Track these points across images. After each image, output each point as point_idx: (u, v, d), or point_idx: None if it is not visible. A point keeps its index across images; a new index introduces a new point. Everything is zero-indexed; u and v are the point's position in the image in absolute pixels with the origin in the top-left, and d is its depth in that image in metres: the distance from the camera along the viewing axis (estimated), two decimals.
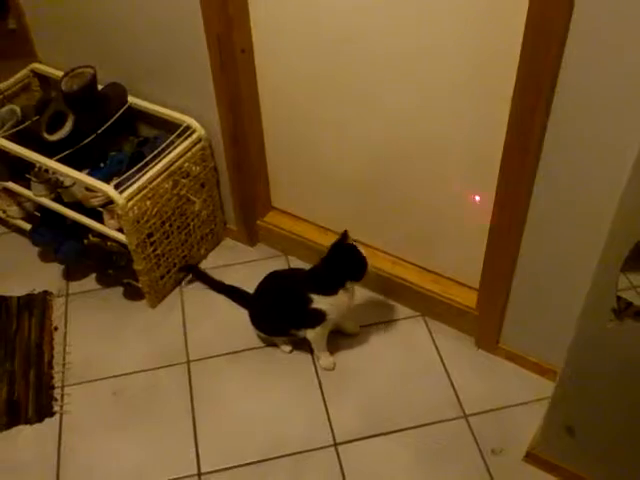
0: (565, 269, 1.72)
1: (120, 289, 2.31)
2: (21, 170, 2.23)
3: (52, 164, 2.07)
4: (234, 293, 2.23)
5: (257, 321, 2.09)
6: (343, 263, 1.89)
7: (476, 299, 2.02)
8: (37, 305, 2.28)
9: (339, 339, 2.09)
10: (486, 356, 2.06)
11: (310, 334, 1.98)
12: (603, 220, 1.25)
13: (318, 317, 1.92)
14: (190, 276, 2.35)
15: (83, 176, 2.04)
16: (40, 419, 1.98)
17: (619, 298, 1.31)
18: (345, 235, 1.90)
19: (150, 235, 2.10)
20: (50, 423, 1.97)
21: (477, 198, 1.85)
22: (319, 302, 1.90)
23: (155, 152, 2.08)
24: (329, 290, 1.89)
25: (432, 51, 1.66)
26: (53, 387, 2.05)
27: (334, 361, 2.07)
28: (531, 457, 1.79)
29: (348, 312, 1.98)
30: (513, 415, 1.91)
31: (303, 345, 2.11)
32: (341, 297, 1.90)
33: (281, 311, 2.00)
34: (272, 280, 2.06)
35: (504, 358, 2.03)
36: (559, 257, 1.71)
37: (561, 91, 1.42)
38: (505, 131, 1.57)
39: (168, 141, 2.12)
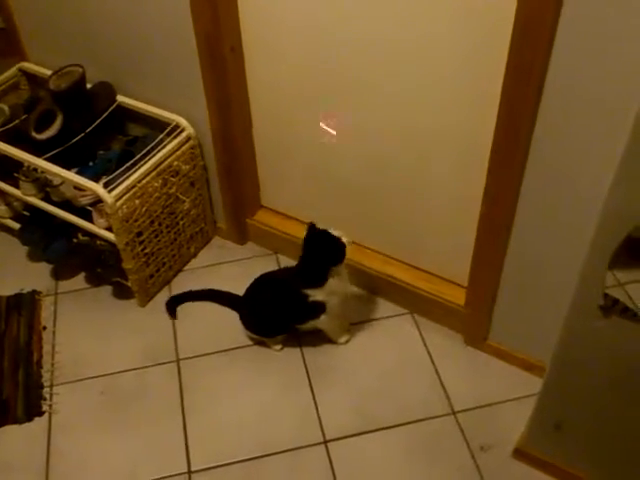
0: (553, 266, 1.73)
1: (109, 288, 2.31)
2: (9, 169, 2.22)
3: (41, 163, 2.06)
4: (223, 298, 2.22)
5: (252, 324, 2.09)
6: (319, 251, 1.91)
7: (464, 296, 2.03)
8: (26, 305, 2.27)
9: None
10: (474, 353, 2.07)
11: (320, 323, 2.01)
12: (591, 218, 1.26)
13: (319, 308, 1.96)
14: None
15: (72, 175, 2.04)
16: (29, 419, 1.97)
17: (606, 295, 1.33)
18: (312, 226, 1.92)
19: (139, 234, 2.10)
20: (39, 423, 1.96)
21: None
22: (316, 295, 1.93)
23: (144, 151, 2.08)
24: (318, 282, 1.92)
25: (424, 48, 1.67)
26: (42, 386, 2.04)
27: (349, 336, 2.12)
28: (519, 453, 1.80)
29: (346, 298, 2.01)
30: (501, 412, 1.92)
31: (293, 343, 2.12)
32: (332, 283, 1.93)
33: (281, 311, 2.02)
34: (264, 283, 2.07)
35: (492, 355, 2.05)
36: (547, 255, 1.72)
37: (550, 83, 1.43)
38: (494, 126, 1.58)
39: (157, 140, 2.12)
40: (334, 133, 1.89)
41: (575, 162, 1.51)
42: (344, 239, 1.89)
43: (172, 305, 2.24)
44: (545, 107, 1.47)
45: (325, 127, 1.88)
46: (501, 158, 1.62)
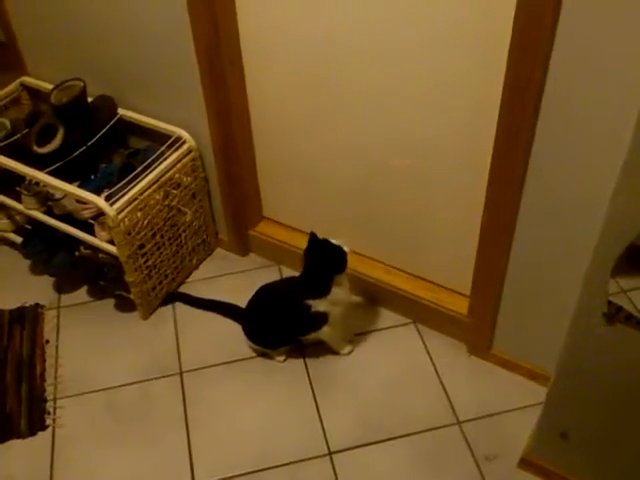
0: (556, 274, 1.73)
1: (112, 301, 2.31)
2: (11, 183, 2.22)
3: (42, 177, 2.07)
4: (225, 309, 2.22)
5: (255, 335, 2.09)
6: (322, 260, 1.91)
7: (468, 306, 2.03)
8: (28, 318, 2.27)
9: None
10: (478, 362, 2.06)
11: (322, 334, 2.01)
12: (594, 224, 1.26)
13: (321, 319, 1.95)
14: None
15: (74, 188, 2.04)
16: (33, 433, 1.96)
17: (610, 302, 1.32)
18: (313, 236, 1.92)
19: (141, 246, 2.10)
20: (43, 437, 1.96)
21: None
22: (318, 306, 1.92)
23: (145, 163, 2.08)
24: (321, 292, 1.91)
25: (423, 58, 1.67)
26: (45, 400, 2.04)
27: (352, 347, 2.11)
28: (525, 463, 1.79)
29: (347, 308, 2.00)
30: (506, 421, 1.92)
31: (296, 354, 2.11)
32: (335, 294, 1.92)
33: (283, 322, 2.01)
34: (266, 294, 2.06)
35: (496, 364, 2.04)
36: (550, 262, 1.72)
37: (549, 93, 1.44)
38: (494, 135, 1.58)
39: (158, 152, 2.12)
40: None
41: (575, 171, 1.51)
42: (345, 247, 1.90)
43: (173, 298, 2.28)
44: (544, 117, 1.47)
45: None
46: (501, 168, 1.62)
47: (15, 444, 1.95)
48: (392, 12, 1.64)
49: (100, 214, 2.03)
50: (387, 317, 2.21)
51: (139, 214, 2.04)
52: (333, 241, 1.90)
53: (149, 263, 2.16)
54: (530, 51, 1.39)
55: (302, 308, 1.93)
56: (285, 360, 2.11)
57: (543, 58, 1.38)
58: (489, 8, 1.50)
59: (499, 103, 1.52)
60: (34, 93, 2.46)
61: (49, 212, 2.20)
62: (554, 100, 1.44)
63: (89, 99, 2.19)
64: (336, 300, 1.94)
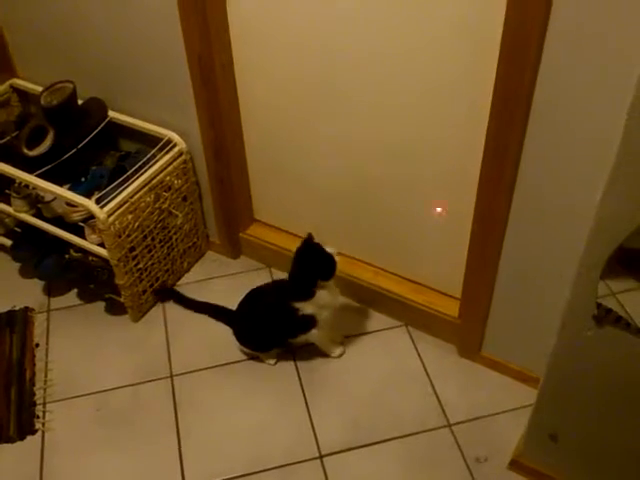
0: (546, 277, 1.73)
1: (102, 304, 2.30)
2: (1, 186, 2.22)
3: (32, 179, 2.06)
4: (216, 312, 2.22)
5: (245, 338, 2.09)
6: (309, 264, 1.90)
7: (458, 308, 2.03)
8: (18, 322, 2.26)
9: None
10: (469, 364, 2.07)
11: (312, 337, 2.01)
12: (583, 227, 1.27)
13: (309, 322, 1.95)
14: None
15: (64, 191, 2.03)
16: (22, 437, 1.95)
17: (599, 305, 1.33)
18: (309, 237, 1.91)
19: (132, 249, 2.09)
20: (32, 441, 1.94)
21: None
22: (305, 308, 1.92)
23: (136, 166, 2.08)
24: (306, 295, 1.91)
25: (415, 65, 1.68)
26: (35, 404, 2.03)
27: (343, 349, 2.11)
28: (515, 465, 1.80)
29: (336, 311, 1.99)
30: (497, 423, 1.92)
31: (287, 356, 2.11)
32: (322, 296, 1.91)
33: (273, 325, 2.01)
34: (256, 297, 2.06)
35: (487, 366, 2.05)
36: (540, 265, 1.73)
37: (538, 102, 1.45)
38: (484, 140, 1.59)
39: (149, 155, 2.12)
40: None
41: (564, 176, 1.52)
42: (336, 257, 1.89)
43: (165, 293, 2.27)
44: (533, 125, 1.48)
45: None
46: (491, 172, 1.62)
47: (4, 448, 1.93)
48: (384, 19, 1.64)
49: (90, 217, 2.03)
50: (378, 320, 2.21)
51: (130, 217, 2.04)
52: (326, 248, 1.89)
53: (140, 266, 2.15)
54: (519, 61, 1.40)
55: (289, 310, 1.93)
56: (276, 363, 2.11)
57: (532, 67, 1.39)
58: (479, 18, 1.50)
59: (489, 111, 1.53)
60: (24, 95, 2.45)
61: (39, 215, 2.19)
62: (543, 108, 1.45)
63: (79, 101, 2.18)
64: (322, 303, 1.93)
